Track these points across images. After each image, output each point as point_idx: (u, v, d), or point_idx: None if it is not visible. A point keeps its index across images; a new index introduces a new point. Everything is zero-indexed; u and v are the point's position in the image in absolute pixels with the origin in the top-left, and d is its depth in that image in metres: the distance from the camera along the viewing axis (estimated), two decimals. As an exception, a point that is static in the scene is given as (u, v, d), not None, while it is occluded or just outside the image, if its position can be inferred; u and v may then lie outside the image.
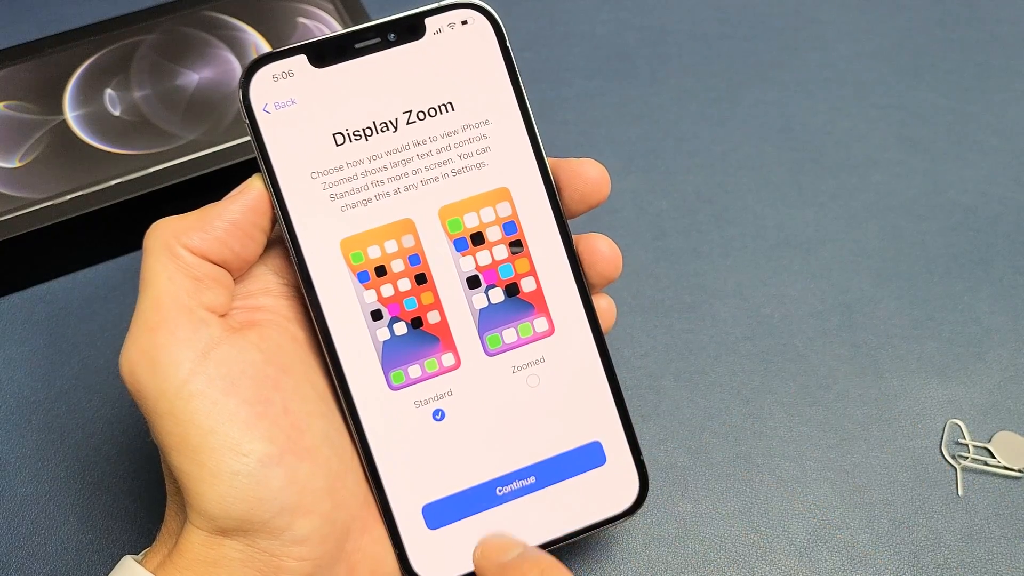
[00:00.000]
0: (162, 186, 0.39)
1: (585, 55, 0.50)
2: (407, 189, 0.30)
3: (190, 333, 0.27)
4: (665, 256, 0.43)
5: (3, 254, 0.39)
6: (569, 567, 0.35)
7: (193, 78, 0.42)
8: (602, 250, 0.31)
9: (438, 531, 0.30)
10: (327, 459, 0.28)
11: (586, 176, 0.31)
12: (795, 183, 0.46)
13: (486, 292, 0.30)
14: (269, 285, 0.30)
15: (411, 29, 0.29)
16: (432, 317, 0.30)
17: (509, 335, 0.31)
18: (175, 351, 0.26)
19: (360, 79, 0.29)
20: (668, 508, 0.36)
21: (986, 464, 0.38)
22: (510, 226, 0.31)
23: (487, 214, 0.30)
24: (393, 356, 0.30)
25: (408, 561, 0.30)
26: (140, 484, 0.37)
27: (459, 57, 0.30)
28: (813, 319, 0.42)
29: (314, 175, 0.29)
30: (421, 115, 0.30)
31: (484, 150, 0.30)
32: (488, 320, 0.31)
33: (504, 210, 0.30)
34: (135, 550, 0.34)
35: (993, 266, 0.44)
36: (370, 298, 0.30)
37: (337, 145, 0.29)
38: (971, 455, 0.38)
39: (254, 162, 0.38)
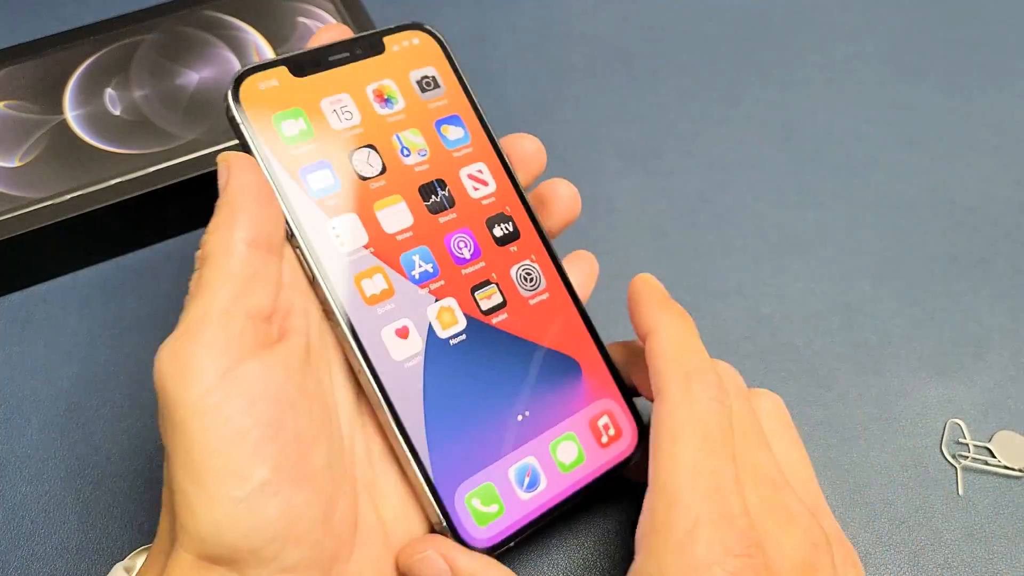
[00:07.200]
0: (162, 186, 0.39)
1: (585, 55, 0.50)
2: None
3: (222, 345, 0.27)
4: (665, 256, 0.43)
5: (3, 254, 0.39)
6: (576, 567, 0.35)
7: (193, 77, 0.42)
8: (562, 193, 0.35)
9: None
10: (324, 485, 0.28)
11: (523, 148, 0.35)
12: (795, 183, 0.46)
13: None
14: (290, 280, 0.30)
15: (373, 46, 0.35)
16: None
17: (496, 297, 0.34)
18: (202, 362, 0.26)
19: (335, 84, 0.34)
20: None
21: (986, 463, 0.38)
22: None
23: None
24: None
25: (456, 529, 0.31)
26: (140, 484, 0.37)
27: (415, 66, 0.35)
28: (813, 319, 0.42)
29: (302, 170, 0.32)
30: (389, 106, 0.34)
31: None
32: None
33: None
34: (135, 550, 0.34)
35: (993, 266, 0.44)
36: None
37: (321, 140, 0.33)
38: (971, 454, 0.38)
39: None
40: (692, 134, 0.48)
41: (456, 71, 0.36)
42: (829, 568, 0.29)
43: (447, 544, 0.30)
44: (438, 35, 0.36)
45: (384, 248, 0.33)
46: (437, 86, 0.35)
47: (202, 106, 0.41)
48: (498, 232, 0.35)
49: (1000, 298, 0.43)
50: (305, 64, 0.33)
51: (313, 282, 0.31)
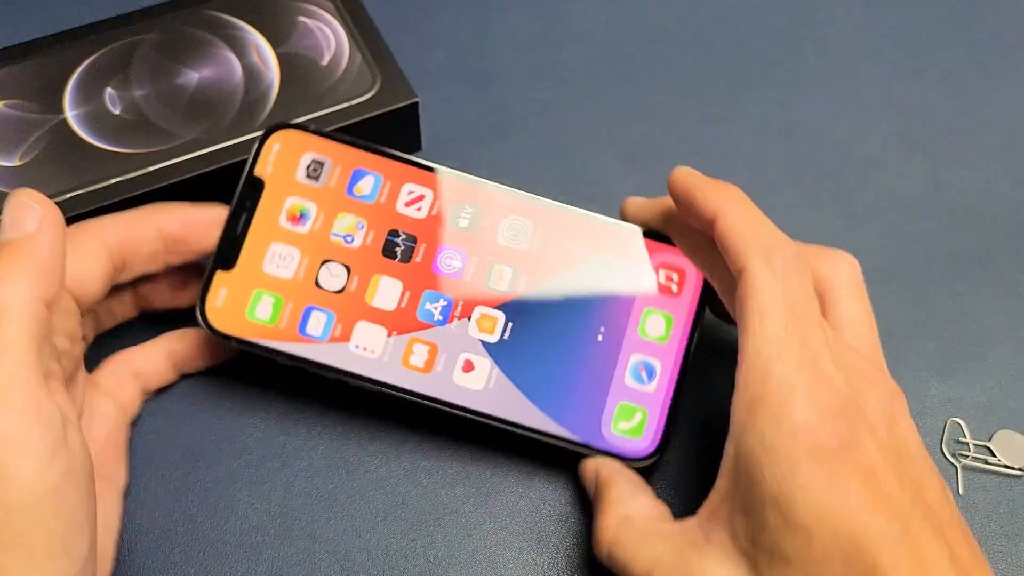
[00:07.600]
0: (162, 185, 0.39)
1: (585, 55, 0.50)
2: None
3: (39, 412, 0.25)
4: (665, 255, 0.43)
5: (3, 253, 0.39)
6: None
7: (193, 77, 0.42)
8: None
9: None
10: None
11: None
12: (795, 183, 0.46)
13: None
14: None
15: (254, 186, 0.35)
16: None
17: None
18: (29, 435, 0.25)
19: (259, 246, 0.35)
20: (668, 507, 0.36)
21: (986, 463, 0.38)
22: None
23: None
24: None
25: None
26: (138, 483, 0.37)
27: (294, 166, 0.36)
28: (813, 318, 0.42)
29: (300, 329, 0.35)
30: (306, 219, 0.35)
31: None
32: None
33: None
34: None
35: (993, 265, 0.44)
36: None
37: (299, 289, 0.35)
38: (971, 454, 0.38)
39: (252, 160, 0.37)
40: (692, 134, 0.48)
41: (326, 134, 0.36)
42: (907, 415, 0.29)
43: (600, 458, 0.34)
44: (288, 123, 0.36)
45: (401, 322, 0.34)
46: (323, 162, 0.36)
47: (202, 105, 0.41)
48: (463, 221, 0.35)
49: (1000, 298, 0.43)
50: (227, 254, 0.35)
51: (382, 395, 0.34)
